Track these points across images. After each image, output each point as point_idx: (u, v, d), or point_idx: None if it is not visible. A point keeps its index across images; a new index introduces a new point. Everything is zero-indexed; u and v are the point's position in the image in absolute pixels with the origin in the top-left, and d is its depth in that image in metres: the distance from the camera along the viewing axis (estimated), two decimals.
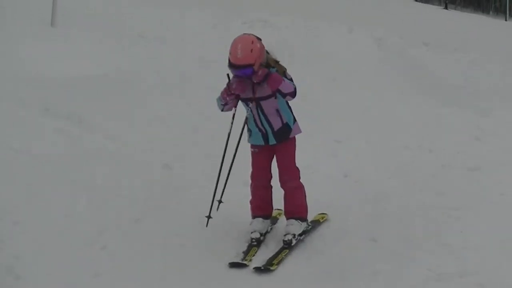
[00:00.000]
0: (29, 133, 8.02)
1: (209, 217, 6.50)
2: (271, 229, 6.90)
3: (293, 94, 6.35)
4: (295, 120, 6.63)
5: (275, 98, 6.40)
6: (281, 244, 6.57)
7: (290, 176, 6.65)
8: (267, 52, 6.44)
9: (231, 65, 6.25)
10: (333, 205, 7.44)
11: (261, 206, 6.83)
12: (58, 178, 7.21)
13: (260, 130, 6.58)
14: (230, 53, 6.25)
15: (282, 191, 6.75)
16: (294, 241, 6.52)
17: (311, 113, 9.11)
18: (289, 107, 6.62)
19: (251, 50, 6.19)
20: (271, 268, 6.17)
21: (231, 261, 6.27)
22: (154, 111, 9.41)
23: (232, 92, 6.41)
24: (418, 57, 14.03)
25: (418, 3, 25.24)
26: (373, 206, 7.48)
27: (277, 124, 6.52)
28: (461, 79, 12.90)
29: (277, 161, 6.71)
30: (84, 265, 5.88)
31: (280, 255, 6.35)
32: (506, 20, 26.53)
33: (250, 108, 6.50)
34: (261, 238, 6.68)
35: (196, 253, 6.34)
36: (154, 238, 6.48)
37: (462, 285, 5.87)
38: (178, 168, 8.00)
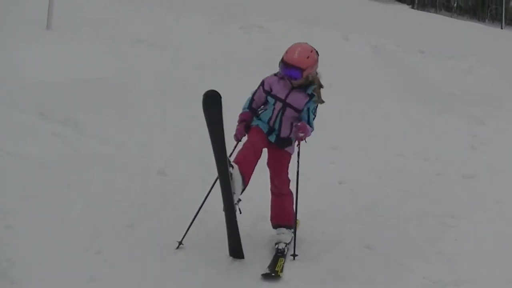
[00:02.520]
0: (24, 137, 8.01)
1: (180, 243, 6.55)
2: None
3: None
4: (294, 140, 6.61)
5: (300, 113, 6.50)
6: (271, 250, 6.58)
7: (283, 184, 6.66)
8: (317, 72, 6.59)
9: (283, 62, 6.37)
10: (329, 212, 7.45)
11: (243, 162, 6.33)
12: (53, 183, 7.19)
13: (269, 125, 6.59)
14: (286, 53, 6.41)
15: (270, 196, 6.75)
16: (286, 250, 6.51)
17: None
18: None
19: (308, 57, 6.38)
20: (280, 275, 6.16)
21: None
22: (149, 116, 9.40)
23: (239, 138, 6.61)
24: (414, 64, 14.07)
25: (414, 10, 25.22)
26: (368, 213, 7.48)
27: (284, 133, 6.54)
28: (457, 87, 12.94)
29: (271, 163, 6.70)
30: (78, 270, 5.85)
31: (279, 263, 6.32)
32: (502, 28, 26.54)
33: (274, 106, 6.53)
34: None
35: (191, 258, 6.32)
36: (148, 243, 6.46)
37: None
38: (173, 173, 7.98)
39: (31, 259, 5.85)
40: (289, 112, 6.50)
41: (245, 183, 6.26)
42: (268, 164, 6.70)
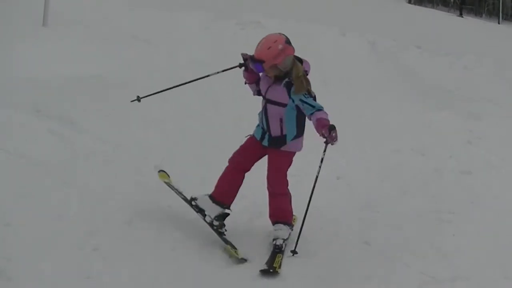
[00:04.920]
0: (21, 134, 7.98)
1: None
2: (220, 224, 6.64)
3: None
4: (298, 137, 6.52)
5: (284, 107, 6.37)
6: (268, 247, 6.57)
7: (277, 184, 6.62)
8: (300, 61, 6.45)
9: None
10: (326, 209, 7.45)
11: (226, 192, 6.66)
12: (50, 180, 7.17)
13: (262, 127, 6.59)
14: None
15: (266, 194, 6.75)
16: (284, 246, 6.49)
17: None
18: (300, 123, 6.52)
19: (269, 48, 6.23)
20: (278, 271, 6.16)
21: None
22: (145, 113, 9.37)
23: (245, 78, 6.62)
24: (411, 60, 14.08)
25: (411, 5, 25.26)
26: (366, 209, 7.49)
27: (275, 132, 6.48)
28: (454, 83, 12.95)
29: (267, 164, 6.68)
30: (75, 267, 5.84)
31: (277, 259, 6.31)
32: (499, 23, 26.59)
33: (262, 104, 6.56)
34: (219, 227, 6.59)
35: (187, 256, 6.32)
36: (146, 240, 6.46)
37: None
38: (169, 171, 7.97)
39: (28, 256, 5.84)
40: (272, 108, 6.43)
41: (225, 206, 6.57)
42: (267, 164, 6.68)
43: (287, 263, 6.28)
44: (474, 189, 8.12)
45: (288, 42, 6.36)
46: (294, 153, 6.58)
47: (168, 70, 11.16)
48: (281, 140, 6.49)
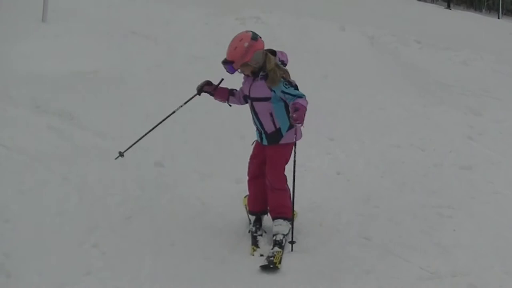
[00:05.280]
0: (20, 130, 7.99)
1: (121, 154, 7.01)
2: (256, 228, 6.81)
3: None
4: (291, 127, 6.48)
5: (269, 101, 6.35)
6: (269, 242, 6.56)
7: (275, 179, 6.57)
8: (273, 53, 6.43)
9: None
10: (326, 203, 7.44)
11: (252, 202, 6.86)
12: (49, 176, 7.18)
13: (257, 128, 6.59)
14: None
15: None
16: (284, 241, 6.49)
17: None
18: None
19: (235, 48, 6.21)
20: (278, 266, 6.15)
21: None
22: (144, 108, 9.37)
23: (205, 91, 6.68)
24: (410, 55, 14.06)
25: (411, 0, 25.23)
26: (366, 204, 7.47)
27: (269, 128, 6.47)
28: (453, 78, 12.92)
29: (266, 160, 6.67)
30: (75, 263, 5.84)
31: (277, 255, 6.30)
32: (499, 18, 26.57)
33: (249, 106, 6.56)
34: (254, 232, 6.71)
35: (187, 251, 6.31)
36: (145, 236, 6.46)
37: (454, 285, 5.87)
38: (169, 166, 7.97)
39: (27, 252, 5.84)
40: (258, 105, 6.44)
41: (258, 214, 6.83)
42: (266, 163, 6.68)
43: (287, 259, 6.26)
44: (474, 184, 8.10)
45: (254, 38, 6.29)
46: (292, 145, 6.53)
47: (167, 65, 11.17)
48: (277, 134, 6.48)
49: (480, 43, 15.73)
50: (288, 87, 6.24)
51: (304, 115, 6.07)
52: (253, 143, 6.78)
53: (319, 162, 8.62)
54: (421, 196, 7.72)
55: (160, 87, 10.23)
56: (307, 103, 6.16)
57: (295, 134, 6.45)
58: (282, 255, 6.33)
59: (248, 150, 6.83)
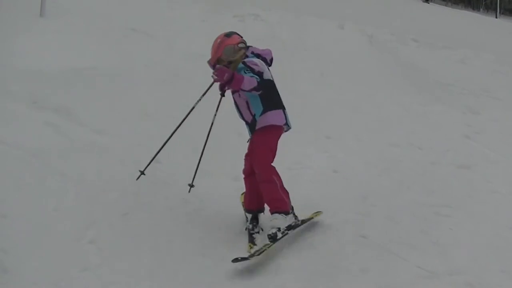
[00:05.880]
0: (17, 126, 7.98)
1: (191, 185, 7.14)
2: (253, 226, 6.82)
3: (257, 88, 6.40)
4: (266, 111, 6.56)
5: (242, 91, 6.47)
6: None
7: (258, 168, 6.57)
8: (246, 46, 6.69)
9: None
10: (323, 201, 7.43)
11: (248, 200, 6.90)
12: (46, 172, 7.17)
13: (244, 122, 6.77)
14: None
15: None
16: (279, 235, 6.42)
17: (300, 108, 9.11)
18: (266, 98, 6.57)
19: (212, 47, 6.66)
20: (247, 257, 6.13)
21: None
22: (142, 105, 9.37)
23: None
24: (408, 54, 14.04)
25: None
26: (363, 202, 7.47)
27: (248, 117, 6.65)
28: (451, 77, 12.91)
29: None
30: (72, 259, 5.85)
31: (264, 247, 6.28)
32: (496, 17, 26.58)
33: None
34: (251, 229, 6.72)
35: (184, 248, 6.32)
36: (142, 232, 6.46)
37: (451, 283, 5.87)
38: (166, 163, 7.96)
39: (24, 248, 5.84)
40: (236, 98, 6.71)
41: (253, 212, 6.86)
42: None
43: (284, 255, 6.27)
44: (472, 183, 8.10)
45: (227, 35, 6.71)
46: (270, 130, 6.58)
47: (166, 62, 11.15)
48: (254, 121, 6.62)
49: (478, 42, 15.72)
50: (248, 71, 6.45)
51: (226, 78, 6.21)
52: (248, 140, 6.81)
53: (316, 160, 8.61)
54: (419, 195, 7.72)
55: (158, 84, 10.22)
56: (247, 79, 6.30)
57: (276, 118, 6.57)
58: (269, 247, 6.30)
59: (245, 147, 6.83)
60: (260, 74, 6.45)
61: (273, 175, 6.53)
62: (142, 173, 7.15)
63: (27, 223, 6.18)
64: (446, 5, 25.79)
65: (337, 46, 13.47)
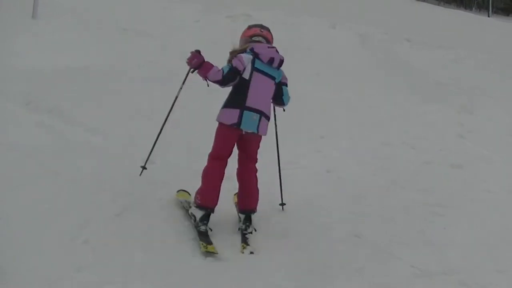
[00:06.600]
0: (10, 126, 7.96)
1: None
2: (246, 226, 6.83)
3: (221, 82, 6.53)
4: (224, 106, 6.63)
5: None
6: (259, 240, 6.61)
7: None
8: (255, 41, 6.86)
9: None
10: (317, 201, 7.44)
11: (240, 200, 6.93)
12: (40, 172, 7.15)
13: None
14: None
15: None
16: (193, 224, 6.63)
17: (293, 107, 9.07)
18: (234, 93, 6.63)
19: None
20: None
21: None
22: (136, 104, 9.36)
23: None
24: (401, 53, 14.06)
25: None
26: (356, 202, 7.48)
27: None
28: (445, 76, 12.94)
29: None
30: (66, 259, 5.82)
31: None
32: (489, 16, 26.61)
33: None
34: (244, 230, 6.76)
35: (177, 248, 6.30)
36: (136, 232, 6.43)
37: (445, 282, 5.89)
38: (160, 163, 7.95)
39: (18, 248, 5.82)
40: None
41: (244, 211, 6.83)
42: None
43: (277, 255, 6.26)
44: (466, 182, 8.13)
45: (250, 26, 7.13)
46: (219, 125, 6.65)
47: (159, 62, 11.14)
48: None
49: (471, 41, 15.76)
50: (229, 65, 6.64)
51: (194, 63, 6.72)
52: None
53: (309, 159, 8.61)
54: (412, 194, 7.74)
55: (151, 83, 10.21)
56: (213, 71, 6.55)
57: (228, 116, 6.57)
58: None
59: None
60: (236, 70, 6.53)
61: (208, 161, 6.69)
62: (144, 167, 7.24)
63: (20, 223, 6.15)
64: (438, 5, 25.80)
65: (329, 45, 13.48)
